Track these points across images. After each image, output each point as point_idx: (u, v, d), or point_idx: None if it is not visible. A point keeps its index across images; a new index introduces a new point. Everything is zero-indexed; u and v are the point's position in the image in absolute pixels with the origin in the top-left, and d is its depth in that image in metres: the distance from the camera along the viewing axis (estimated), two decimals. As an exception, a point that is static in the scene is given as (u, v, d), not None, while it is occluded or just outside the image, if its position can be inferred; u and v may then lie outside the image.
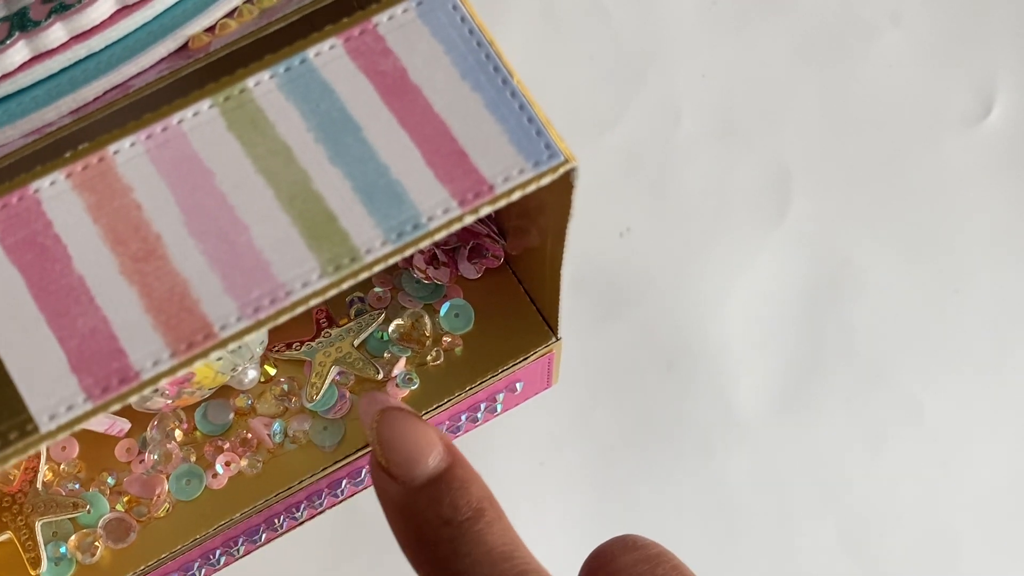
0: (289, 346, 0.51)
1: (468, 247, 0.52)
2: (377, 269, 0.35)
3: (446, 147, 0.36)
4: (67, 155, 0.36)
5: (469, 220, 0.36)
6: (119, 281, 0.35)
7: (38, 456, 0.48)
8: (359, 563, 0.59)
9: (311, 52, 0.38)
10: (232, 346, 0.34)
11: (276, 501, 0.49)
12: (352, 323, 0.51)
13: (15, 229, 0.36)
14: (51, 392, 0.34)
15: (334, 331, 0.51)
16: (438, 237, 0.36)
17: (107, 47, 0.41)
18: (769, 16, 0.66)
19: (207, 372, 0.46)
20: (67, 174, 0.36)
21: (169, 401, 0.47)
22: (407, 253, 0.35)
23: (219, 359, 0.46)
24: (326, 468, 0.49)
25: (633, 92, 0.64)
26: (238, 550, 0.52)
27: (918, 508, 0.61)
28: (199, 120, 0.37)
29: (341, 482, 0.52)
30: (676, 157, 0.64)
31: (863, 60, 0.66)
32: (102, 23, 0.41)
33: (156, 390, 0.46)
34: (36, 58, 0.40)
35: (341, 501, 0.54)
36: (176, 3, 0.42)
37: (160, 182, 0.36)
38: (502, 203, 0.36)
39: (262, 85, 0.37)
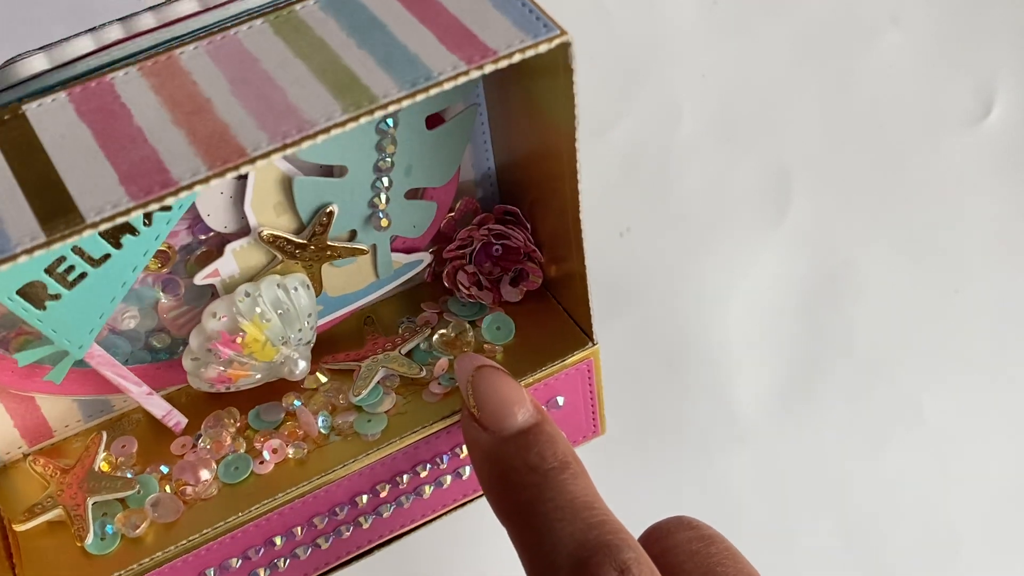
0: (343, 359, 0.54)
1: (511, 275, 0.55)
2: (391, 109, 0.40)
3: (457, 31, 0.42)
4: (139, 55, 0.43)
5: (475, 75, 0.41)
6: (171, 128, 0.40)
7: (96, 444, 0.51)
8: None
9: (349, -14, 0.45)
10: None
11: (319, 487, 0.50)
12: (399, 340, 0.54)
13: (89, 101, 0.42)
14: (101, 198, 0.38)
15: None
16: (447, 87, 0.40)
17: (189, 32, 0.48)
18: (769, 16, 0.68)
19: (257, 335, 0.49)
20: (139, 68, 0.43)
21: (222, 369, 0.50)
22: (419, 99, 0.40)
23: (267, 321, 0.49)
24: (368, 454, 0.50)
25: (633, 92, 0.66)
26: (279, 563, 0.51)
27: (918, 508, 0.59)
28: (252, 31, 0.44)
29: (384, 487, 0.52)
30: (676, 157, 0.65)
31: (863, 60, 0.68)
32: (186, 16, 0.49)
33: (209, 351, 0.49)
34: (127, 38, 0.48)
35: (391, 539, 0.54)
36: (256, 7, 0.50)
37: (214, 67, 0.42)
38: (503, 64, 0.41)
39: (307, 8, 0.44)
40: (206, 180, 0.38)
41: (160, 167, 0.39)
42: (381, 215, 0.50)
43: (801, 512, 0.59)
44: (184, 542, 0.48)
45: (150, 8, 0.48)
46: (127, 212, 0.38)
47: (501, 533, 0.45)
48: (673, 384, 0.62)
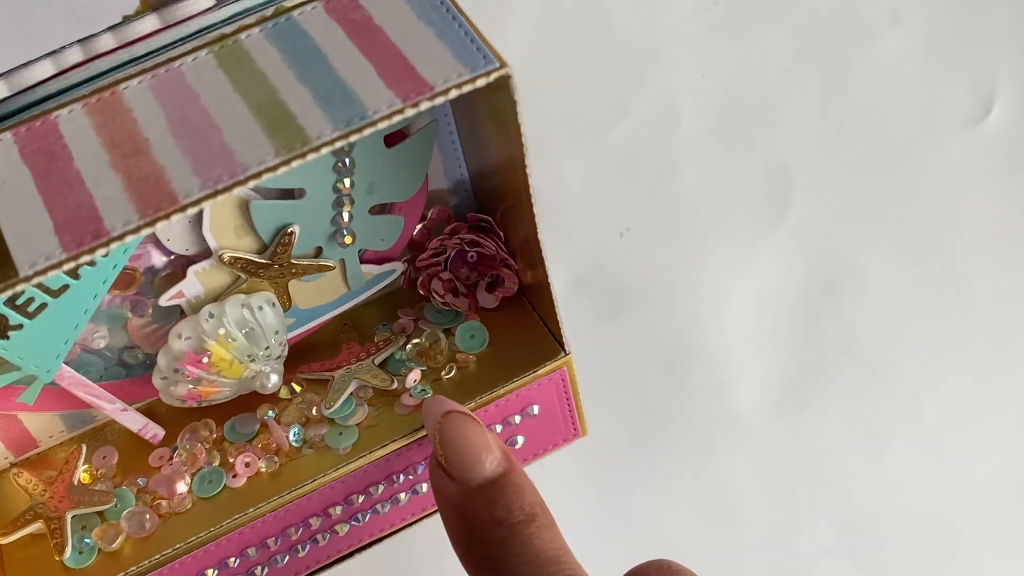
0: (317, 368, 0.54)
1: (487, 280, 0.55)
2: (324, 151, 0.40)
3: (397, 64, 0.42)
4: (85, 91, 0.43)
5: (410, 113, 0.40)
6: (108, 171, 0.40)
7: (76, 457, 0.52)
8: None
9: (295, 12, 0.44)
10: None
11: (291, 500, 0.51)
12: (373, 347, 0.54)
13: (33, 142, 0.42)
14: (35, 249, 0.38)
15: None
16: (381, 127, 0.40)
17: (148, 52, 0.48)
18: (769, 16, 0.66)
19: (223, 355, 0.49)
20: (83, 104, 0.43)
21: (191, 386, 0.50)
22: (352, 139, 0.40)
23: (233, 340, 0.49)
24: (338, 468, 0.51)
25: (633, 92, 0.65)
26: (256, 572, 0.53)
27: (918, 507, 0.59)
28: (196, 63, 0.43)
29: (351, 499, 0.53)
30: (676, 157, 0.64)
31: (863, 60, 0.66)
32: (145, 35, 0.49)
33: (176, 370, 0.50)
34: (87, 60, 0.48)
35: (361, 547, 0.54)
36: (214, 24, 0.49)
37: (155, 103, 0.42)
38: (439, 100, 0.40)
39: (251, 37, 0.44)
40: (136, 230, 0.39)
41: (94, 215, 0.39)
42: (345, 232, 0.50)
43: (801, 512, 0.59)
44: (158, 556, 0.49)
45: (109, 28, 0.48)
46: (59, 265, 0.38)
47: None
48: (673, 384, 0.62)
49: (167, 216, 0.39)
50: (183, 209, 0.39)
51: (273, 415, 0.53)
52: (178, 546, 0.50)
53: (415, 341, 0.54)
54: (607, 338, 0.63)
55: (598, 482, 0.59)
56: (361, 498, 0.53)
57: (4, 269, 0.38)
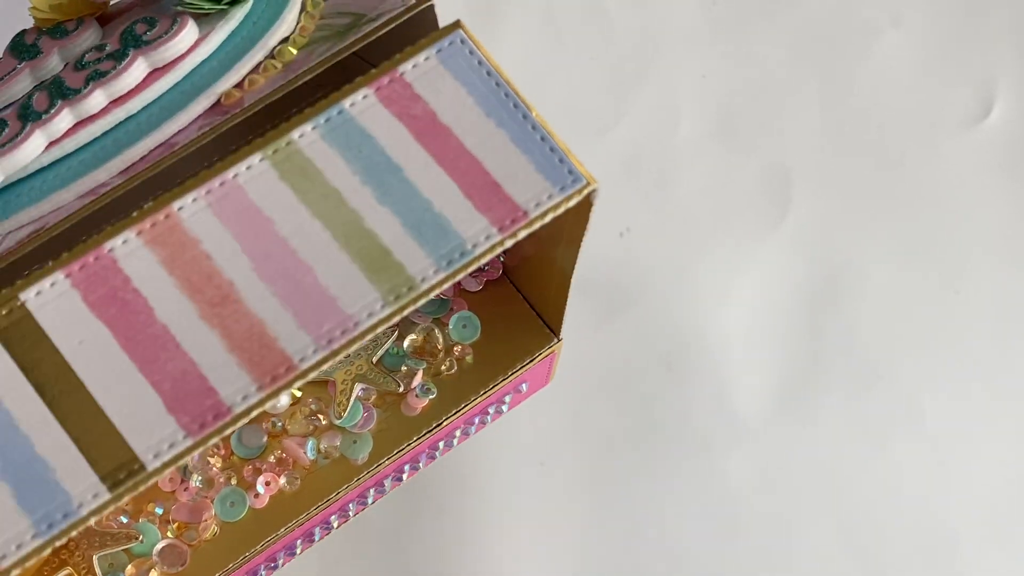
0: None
1: (468, 262, 0.56)
2: (433, 295, 0.39)
3: (480, 180, 0.40)
4: (134, 214, 0.40)
5: (509, 243, 0.40)
6: (200, 326, 0.38)
7: (88, 494, 0.51)
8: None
9: (346, 103, 0.41)
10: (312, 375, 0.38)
11: (316, 514, 0.52)
12: (367, 341, 0.54)
13: (96, 287, 0.39)
14: (152, 433, 0.37)
15: (352, 350, 0.54)
16: (483, 261, 0.40)
17: (144, 108, 0.44)
18: (769, 16, 0.67)
19: (249, 400, 0.49)
20: (137, 232, 0.39)
21: (214, 430, 0.50)
22: (458, 278, 0.39)
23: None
24: (360, 478, 0.53)
25: (633, 93, 0.65)
26: (277, 564, 0.55)
27: (918, 508, 0.62)
28: (252, 173, 0.40)
29: (368, 492, 0.55)
30: (676, 157, 0.65)
31: (863, 60, 0.67)
32: (137, 86, 0.44)
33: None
34: (79, 124, 0.43)
35: (365, 509, 0.57)
36: (204, 61, 0.45)
37: (225, 232, 0.40)
38: (536, 226, 0.40)
39: (306, 136, 0.41)
40: (259, 405, 0.38)
41: (205, 385, 0.38)
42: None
43: (801, 512, 0.61)
44: (198, 588, 0.51)
45: (96, 83, 0.44)
46: (186, 453, 0.37)
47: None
48: (673, 384, 0.62)
49: (289, 384, 0.38)
50: (303, 375, 0.38)
51: (280, 424, 0.53)
52: (217, 574, 0.51)
53: (411, 337, 0.55)
54: (607, 338, 0.63)
55: (598, 482, 0.60)
56: (372, 492, 0.55)
57: (124, 459, 0.37)
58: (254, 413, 0.38)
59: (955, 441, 0.63)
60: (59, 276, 0.39)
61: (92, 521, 0.36)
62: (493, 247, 0.40)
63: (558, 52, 0.67)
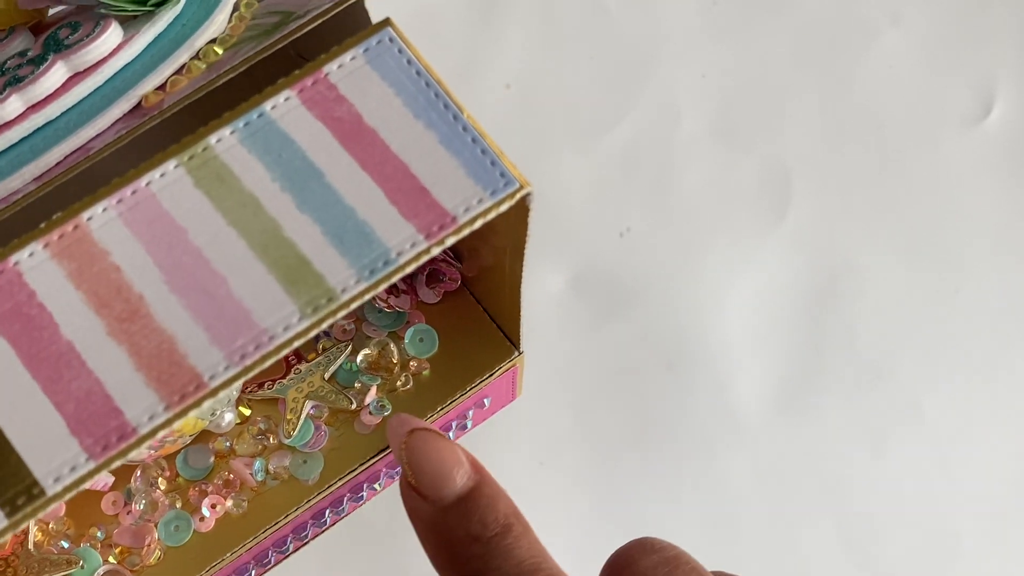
0: (261, 386, 0.52)
1: (425, 273, 0.54)
2: (354, 306, 0.37)
3: (407, 184, 0.38)
4: (42, 225, 0.38)
5: (436, 251, 0.38)
6: (107, 343, 0.36)
7: (26, 518, 0.49)
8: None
9: (268, 105, 0.39)
10: (221, 393, 0.36)
11: (264, 538, 0.50)
12: (321, 357, 0.52)
13: (0, 302, 0.37)
14: (53, 456, 0.35)
15: (304, 367, 0.52)
16: (408, 270, 0.37)
17: (63, 113, 0.42)
18: (769, 16, 0.66)
19: (188, 419, 0.47)
20: (44, 244, 0.37)
21: (152, 451, 0.48)
22: (380, 289, 0.37)
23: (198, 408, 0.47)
24: (310, 500, 0.51)
25: (633, 92, 0.65)
26: (230, 588, 0.53)
27: (918, 508, 0.61)
28: (166, 180, 0.38)
29: (324, 512, 0.53)
30: (676, 157, 0.64)
31: (863, 60, 0.66)
32: (56, 91, 0.42)
33: (140, 442, 0.47)
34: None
35: (324, 531, 0.55)
36: (126, 65, 0.43)
37: (136, 243, 0.38)
38: (465, 232, 0.38)
39: (224, 141, 0.39)
40: (166, 424, 0.36)
41: (110, 406, 0.36)
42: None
43: (801, 512, 0.60)
44: (141, 616, 0.49)
45: (13, 88, 0.42)
46: (88, 476, 0.35)
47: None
48: (673, 384, 0.61)
49: (198, 403, 0.36)
50: (213, 393, 0.36)
51: (228, 444, 0.51)
52: (160, 602, 0.49)
53: (365, 352, 0.53)
54: (607, 338, 0.62)
55: (598, 482, 0.60)
56: (328, 511, 0.53)
57: (23, 484, 0.35)
58: (160, 434, 0.35)
59: (955, 441, 0.63)
60: (-39, 291, 0.37)
61: (-13, 550, 0.34)
62: (419, 255, 0.38)
63: (558, 52, 0.66)
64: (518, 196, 0.38)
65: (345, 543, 0.59)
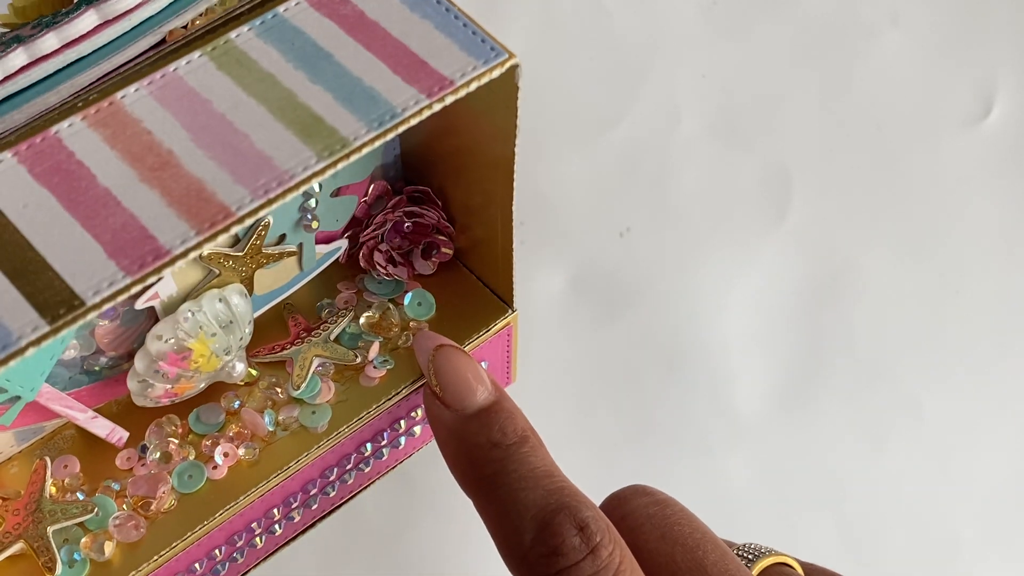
0: (271, 350, 0.54)
1: (420, 247, 0.57)
2: (365, 151, 0.41)
3: (407, 60, 0.43)
4: (79, 103, 0.42)
5: (437, 107, 0.42)
6: (141, 187, 0.40)
7: (42, 470, 0.50)
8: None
9: (280, 8, 0.44)
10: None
11: (275, 485, 0.52)
12: (324, 324, 0.55)
13: (41, 161, 0.40)
14: (92, 275, 0.38)
15: (311, 336, 0.55)
16: (413, 123, 0.42)
17: (95, 51, 0.47)
18: (769, 16, 0.67)
19: (203, 350, 0.49)
20: (82, 117, 0.41)
21: (169, 386, 0.50)
22: (389, 137, 0.41)
23: (212, 336, 0.49)
24: (319, 446, 0.52)
25: (633, 92, 0.66)
26: (238, 556, 0.53)
27: (918, 508, 0.61)
28: (192, 66, 0.43)
29: (327, 473, 0.54)
30: (676, 157, 0.65)
31: (863, 60, 0.68)
32: (87, 33, 0.47)
33: (157, 371, 0.49)
34: (33, 63, 0.46)
35: (339, 505, 0.56)
36: (152, 16, 0.48)
37: (165, 112, 0.42)
38: (462, 93, 0.42)
39: (242, 36, 0.44)
40: (198, 246, 0.39)
41: (145, 234, 0.39)
42: (310, 217, 0.51)
43: (801, 512, 0.60)
44: (155, 558, 0.49)
45: (49, 28, 0.46)
46: (126, 289, 0.38)
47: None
48: (673, 384, 0.61)
49: (227, 228, 0.39)
50: (240, 221, 0.39)
51: (238, 404, 0.53)
52: (175, 545, 0.50)
53: (366, 315, 0.55)
54: (607, 338, 0.62)
55: (598, 482, 0.59)
56: (335, 471, 0.54)
57: (63, 296, 0.37)
58: (192, 256, 0.38)
59: (955, 441, 0.63)
60: (6, 155, 0.40)
61: (30, 352, 0.36)
62: (421, 110, 0.42)
63: (558, 52, 0.67)
64: (508, 64, 0.43)
65: (346, 543, 0.59)
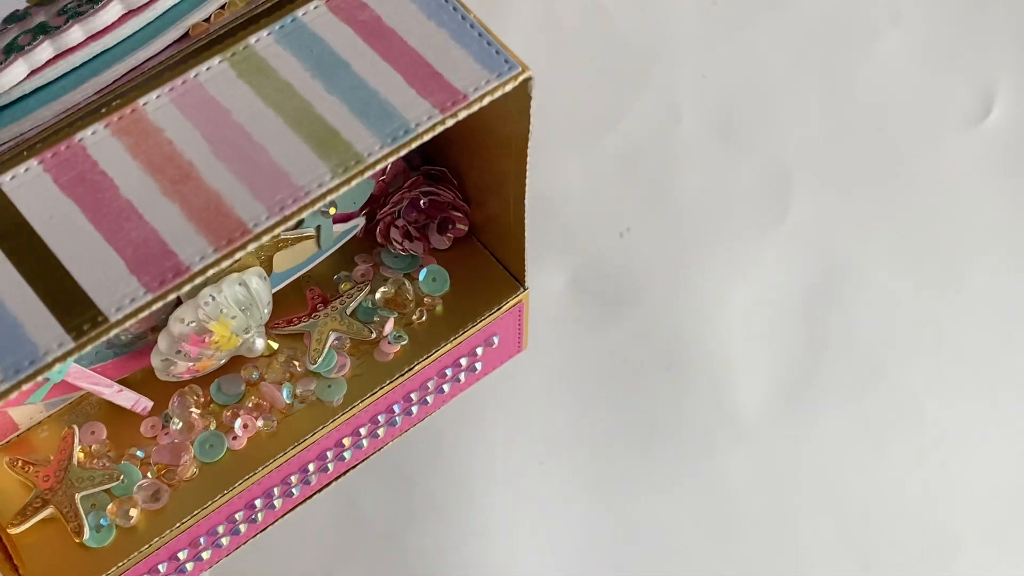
0: (289, 322, 0.56)
1: (436, 222, 0.59)
2: (379, 167, 0.42)
3: (423, 71, 0.44)
4: (103, 110, 0.43)
5: (450, 123, 0.43)
6: (162, 200, 0.41)
7: (70, 438, 0.53)
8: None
9: (299, 12, 0.45)
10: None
11: (293, 455, 0.54)
12: (342, 297, 0.57)
13: (66, 170, 0.42)
14: (115, 291, 0.39)
15: (327, 308, 0.56)
16: (426, 139, 0.43)
17: (119, 43, 0.48)
18: (769, 16, 0.67)
19: (223, 331, 0.51)
20: (105, 124, 0.43)
21: (191, 364, 0.52)
22: (403, 153, 0.42)
23: (232, 318, 0.51)
24: (335, 419, 0.54)
25: (633, 92, 0.66)
26: (257, 516, 0.56)
27: (918, 508, 0.61)
28: (212, 73, 0.44)
29: (342, 442, 0.57)
30: (676, 157, 0.66)
31: (863, 60, 0.68)
32: (112, 24, 0.48)
33: (179, 352, 0.51)
34: (59, 56, 0.47)
35: (346, 471, 0.58)
36: (174, 5, 0.49)
37: (186, 122, 0.43)
38: (475, 108, 0.43)
39: (261, 41, 0.44)
40: (216, 263, 0.40)
41: (165, 249, 0.40)
42: (328, 204, 0.52)
43: (801, 512, 0.60)
44: (178, 525, 0.52)
45: (75, 20, 0.47)
46: (147, 306, 0.39)
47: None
48: (673, 384, 0.62)
49: (244, 246, 0.40)
50: (258, 237, 0.40)
51: (257, 375, 0.55)
52: (196, 512, 0.52)
53: (382, 290, 0.57)
54: (607, 338, 0.63)
55: (598, 482, 0.60)
56: (349, 439, 0.57)
57: (88, 313, 0.39)
58: (210, 272, 0.40)
59: (955, 441, 0.63)
60: (32, 163, 0.42)
61: (56, 368, 0.38)
62: (434, 126, 0.43)
63: (558, 52, 0.67)
64: (521, 78, 0.44)
65: (346, 543, 0.61)
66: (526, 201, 0.50)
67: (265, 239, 0.41)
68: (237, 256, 0.40)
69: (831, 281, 0.65)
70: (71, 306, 0.39)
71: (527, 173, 0.51)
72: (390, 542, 0.62)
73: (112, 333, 0.39)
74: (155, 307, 0.39)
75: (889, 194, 0.67)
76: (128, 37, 0.48)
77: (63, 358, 0.38)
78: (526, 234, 0.55)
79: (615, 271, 0.65)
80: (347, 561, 0.61)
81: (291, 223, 0.41)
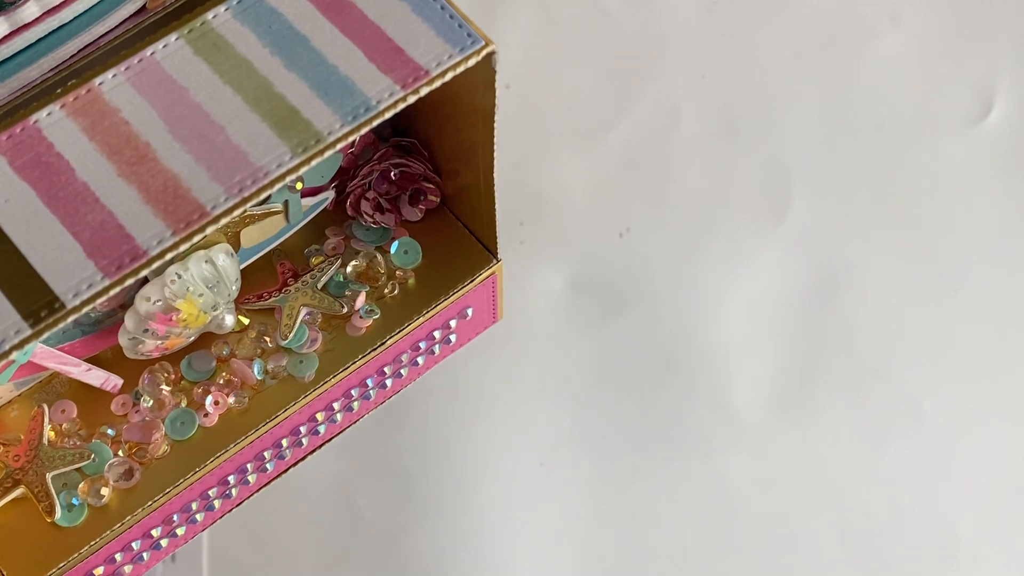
0: (259, 297, 0.56)
1: (408, 194, 0.58)
2: (339, 146, 0.41)
3: (383, 46, 0.43)
4: (58, 91, 0.42)
5: (412, 99, 0.42)
6: (119, 183, 0.40)
7: (40, 417, 0.53)
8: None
9: (258, -13, 0.44)
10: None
11: (265, 431, 0.54)
12: (313, 271, 0.56)
13: (21, 153, 0.41)
14: (71, 276, 0.39)
15: (298, 282, 0.56)
16: (386, 116, 0.42)
17: (76, 17, 0.47)
18: (769, 16, 0.68)
19: (191, 309, 0.51)
20: (61, 105, 0.42)
21: (159, 342, 0.52)
22: (363, 131, 0.42)
23: (200, 296, 0.51)
24: (307, 395, 0.54)
25: (633, 92, 0.66)
26: (231, 492, 0.56)
27: (917, 507, 0.62)
28: (169, 50, 0.43)
29: (316, 417, 0.56)
30: (676, 157, 0.66)
31: (863, 60, 0.68)
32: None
33: (147, 331, 0.51)
34: (14, 32, 0.46)
35: (323, 443, 0.58)
36: (131, -21, 0.48)
37: (142, 101, 0.42)
38: (437, 84, 0.42)
39: (219, 16, 0.44)
40: (174, 247, 0.40)
41: (122, 233, 0.40)
42: (295, 179, 0.52)
43: (801, 512, 0.61)
44: (150, 503, 0.52)
45: (30, -6, 0.46)
46: (104, 291, 0.39)
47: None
48: (673, 384, 0.63)
49: (202, 229, 0.40)
50: (216, 220, 0.40)
51: (228, 351, 0.55)
52: (168, 490, 0.52)
53: (353, 263, 0.57)
54: (607, 338, 0.63)
55: (598, 482, 0.61)
56: (323, 414, 0.57)
57: (45, 299, 0.38)
58: (168, 256, 0.40)
59: (955, 441, 0.64)
60: (-14, 146, 0.41)
61: (13, 356, 0.38)
62: (396, 103, 0.42)
63: (558, 52, 0.68)
64: (484, 52, 0.43)
65: (346, 543, 0.61)
66: (518, 206, 0.50)
67: (224, 221, 0.40)
68: (195, 239, 0.40)
69: (831, 281, 0.66)
70: (27, 292, 0.38)
71: (495, 144, 0.51)
72: (390, 542, 0.62)
73: (70, 320, 0.38)
74: (112, 292, 0.39)
75: (888, 194, 0.67)
76: (85, 12, 0.47)
77: (20, 345, 0.38)
78: (496, 206, 0.54)
79: (615, 271, 0.65)
80: (347, 561, 0.61)
81: (251, 204, 0.40)
